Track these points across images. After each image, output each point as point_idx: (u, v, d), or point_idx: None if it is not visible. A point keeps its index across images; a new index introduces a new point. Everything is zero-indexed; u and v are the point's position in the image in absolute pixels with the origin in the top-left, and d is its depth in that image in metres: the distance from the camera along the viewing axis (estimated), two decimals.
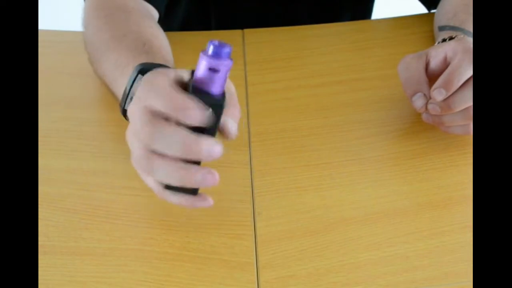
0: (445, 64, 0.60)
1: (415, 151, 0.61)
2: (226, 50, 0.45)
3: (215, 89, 0.46)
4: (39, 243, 0.52)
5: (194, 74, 0.47)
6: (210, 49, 0.46)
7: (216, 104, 0.46)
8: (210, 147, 0.46)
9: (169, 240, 0.53)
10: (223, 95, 0.47)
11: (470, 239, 0.52)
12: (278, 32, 0.79)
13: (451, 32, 0.66)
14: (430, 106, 0.59)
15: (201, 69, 0.46)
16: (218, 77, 0.46)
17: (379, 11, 0.94)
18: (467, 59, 0.57)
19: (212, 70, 0.46)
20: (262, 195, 0.57)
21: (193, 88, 0.46)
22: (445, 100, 0.57)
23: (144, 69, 0.56)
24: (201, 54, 0.46)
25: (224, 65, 0.45)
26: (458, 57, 0.58)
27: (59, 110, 0.65)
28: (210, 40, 0.46)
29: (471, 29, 0.65)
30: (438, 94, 0.57)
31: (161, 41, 0.66)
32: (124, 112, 0.57)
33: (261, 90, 0.69)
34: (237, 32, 0.79)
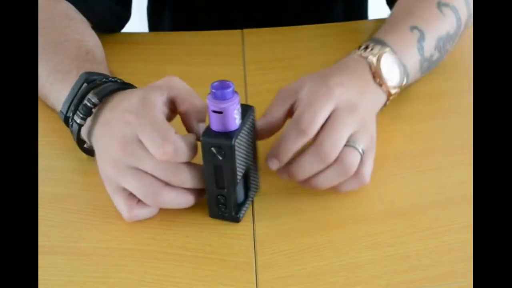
0: None
1: (415, 151, 0.61)
2: (227, 90, 0.48)
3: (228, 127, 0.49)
4: (39, 243, 0.52)
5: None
6: (211, 92, 0.48)
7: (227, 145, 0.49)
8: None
9: (169, 240, 0.53)
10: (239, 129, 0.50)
11: (470, 239, 0.52)
12: (278, 32, 0.79)
13: (368, 42, 0.63)
14: (278, 172, 0.53)
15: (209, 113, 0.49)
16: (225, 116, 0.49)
17: (379, 11, 0.94)
18: (295, 125, 0.52)
19: (217, 112, 0.48)
20: (261, 195, 0.57)
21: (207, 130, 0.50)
22: (287, 168, 0.53)
23: (89, 79, 0.56)
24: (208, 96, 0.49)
25: (228, 105, 0.48)
26: (291, 123, 0.52)
27: (55, 110, 0.65)
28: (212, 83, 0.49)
29: (388, 40, 0.62)
30: (272, 164, 0.53)
31: (103, 53, 0.65)
32: (67, 120, 0.57)
33: (261, 90, 0.69)
34: (237, 32, 0.78)
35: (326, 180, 0.53)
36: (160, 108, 0.51)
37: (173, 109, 0.53)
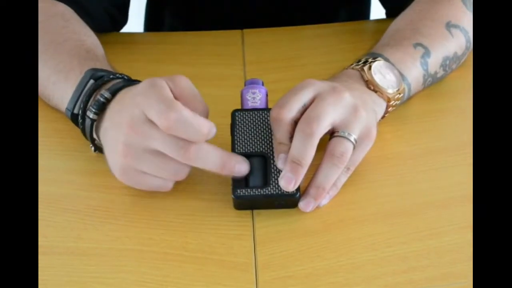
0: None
1: (415, 151, 0.61)
2: (255, 82, 0.60)
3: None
4: (38, 243, 0.52)
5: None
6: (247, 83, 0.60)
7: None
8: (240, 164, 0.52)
9: (168, 241, 0.53)
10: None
11: (470, 239, 0.52)
12: (277, 32, 0.79)
13: (365, 56, 0.63)
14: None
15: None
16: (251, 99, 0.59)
17: (378, 12, 0.94)
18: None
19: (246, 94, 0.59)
20: None
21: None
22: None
23: (96, 75, 0.57)
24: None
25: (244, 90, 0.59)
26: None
27: (59, 110, 0.65)
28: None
29: (388, 54, 0.63)
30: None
31: (103, 51, 0.65)
32: (75, 117, 0.57)
33: None
34: (237, 32, 0.79)
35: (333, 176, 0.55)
36: (168, 89, 0.50)
37: None
